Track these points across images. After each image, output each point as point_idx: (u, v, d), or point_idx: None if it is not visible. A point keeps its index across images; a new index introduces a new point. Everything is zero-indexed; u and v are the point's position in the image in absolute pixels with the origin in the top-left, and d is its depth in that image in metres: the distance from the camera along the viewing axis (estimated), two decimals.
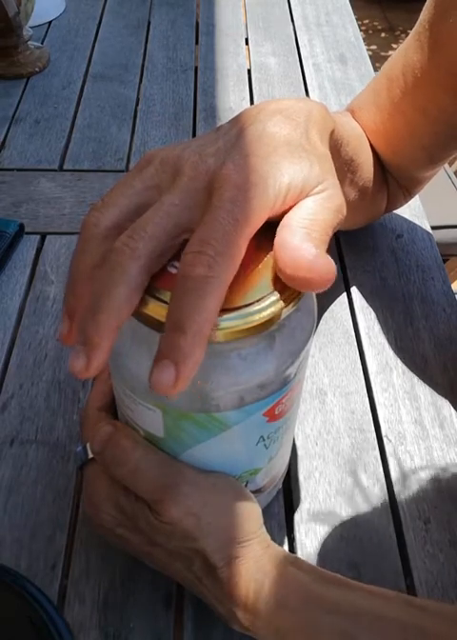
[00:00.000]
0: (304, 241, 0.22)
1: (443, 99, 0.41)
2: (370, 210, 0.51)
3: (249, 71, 0.79)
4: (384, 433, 0.43)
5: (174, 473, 0.29)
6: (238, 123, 0.26)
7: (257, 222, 0.22)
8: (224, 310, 0.22)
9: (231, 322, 0.22)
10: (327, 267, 0.22)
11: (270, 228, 0.23)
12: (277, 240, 0.23)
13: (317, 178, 0.24)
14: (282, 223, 0.23)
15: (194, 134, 0.69)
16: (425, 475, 0.41)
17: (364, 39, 0.86)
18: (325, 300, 0.51)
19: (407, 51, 0.42)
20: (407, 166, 0.48)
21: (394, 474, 0.41)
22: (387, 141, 0.46)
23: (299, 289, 0.23)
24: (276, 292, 0.23)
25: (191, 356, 0.20)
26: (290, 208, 0.24)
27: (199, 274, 0.21)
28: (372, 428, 0.43)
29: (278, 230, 0.23)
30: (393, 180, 0.49)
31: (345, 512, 0.39)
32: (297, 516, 0.39)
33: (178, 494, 0.28)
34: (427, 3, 0.40)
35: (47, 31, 0.83)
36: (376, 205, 0.51)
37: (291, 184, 0.23)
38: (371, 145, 0.46)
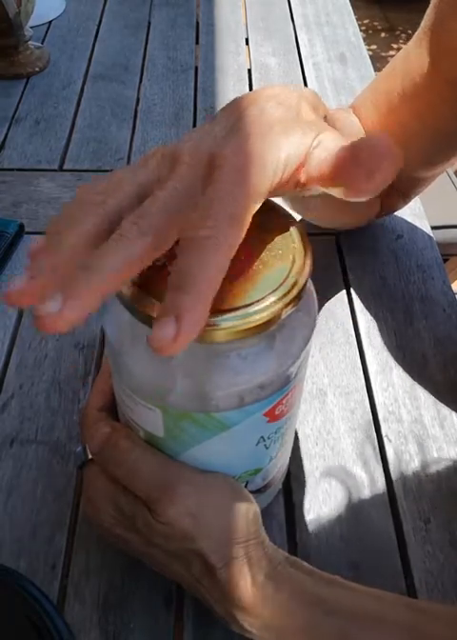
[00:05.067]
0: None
1: (440, 108, 0.41)
2: (366, 210, 0.51)
3: (250, 71, 0.79)
4: (384, 433, 0.43)
5: (172, 473, 0.29)
6: (235, 110, 0.26)
7: (258, 197, 0.23)
8: (224, 311, 0.22)
9: (231, 322, 0.22)
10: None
11: (269, 230, 0.23)
12: (340, 150, 0.23)
13: (312, 136, 0.24)
14: (324, 155, 0.23)
15: None
16: (425, 475, 0.41)
17: (364, 39, 0.86)
18: (325, 300, 0.51)
19: (407, 56, 0.42)
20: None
21: (394, 474, 0.41)
22: None
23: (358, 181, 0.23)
24: (276, 292, 0.23)
25: (193, 312, 0.20)
26: (289, 181, 0.24)
27: (202, 234, 0.21)
28: (372, 428, 0.43)
29: (325, 153, 0.23)
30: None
31: (345, 512, 0.39)
32: (297, 516, 0.39)
33: (176, 494, 0.28)
34: (428, 9, 0.40)
35: (47, 31, 0.83)
36: (371, 204, 0.51)
37: (289, 158, 0.24)
38: None
